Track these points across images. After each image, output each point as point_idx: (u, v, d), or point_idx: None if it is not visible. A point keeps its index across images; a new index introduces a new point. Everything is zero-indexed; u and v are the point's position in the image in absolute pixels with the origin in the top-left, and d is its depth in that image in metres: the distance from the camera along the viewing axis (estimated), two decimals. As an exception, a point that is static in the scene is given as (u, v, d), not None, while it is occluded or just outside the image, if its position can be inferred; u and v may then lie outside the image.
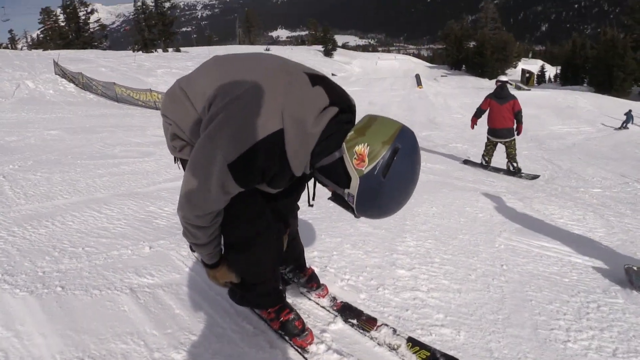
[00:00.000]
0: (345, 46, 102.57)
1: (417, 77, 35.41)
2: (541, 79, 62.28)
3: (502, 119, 7.30)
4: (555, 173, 7.67)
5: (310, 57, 60.80)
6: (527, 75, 48.06)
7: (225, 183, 1.32)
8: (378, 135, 1.27)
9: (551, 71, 67.14)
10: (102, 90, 17.96)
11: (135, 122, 11.79)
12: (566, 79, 56.47)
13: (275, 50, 65.21)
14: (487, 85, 38.68)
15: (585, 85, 48.90)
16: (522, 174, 7.10)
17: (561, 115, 20.40)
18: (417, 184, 1.34)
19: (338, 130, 1.34)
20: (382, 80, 35.55)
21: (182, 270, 2.40)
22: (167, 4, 60.74)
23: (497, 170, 7.51)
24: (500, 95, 7.36)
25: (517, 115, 7.27)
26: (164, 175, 5.05)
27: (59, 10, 50.19)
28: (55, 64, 20.17)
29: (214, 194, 1.34)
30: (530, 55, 79.44)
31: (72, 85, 18.80)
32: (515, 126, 7.35)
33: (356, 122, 1.37)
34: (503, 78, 8.16)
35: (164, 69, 31.91)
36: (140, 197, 3.99)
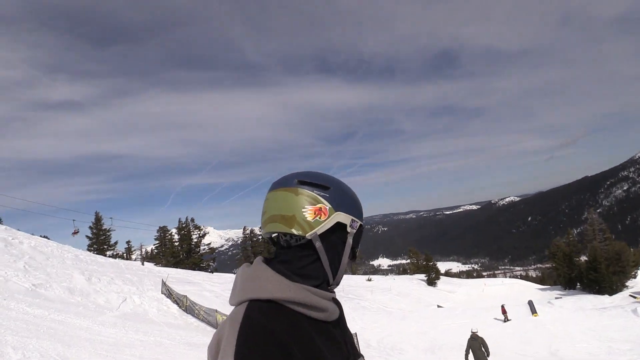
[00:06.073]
0: (448, 273, 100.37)
1: (530, 303, 32.01)
2: (667, 285, 53.53)
3: None
4: None
5: (413, 286, 59.28)
6: (652, 282, 42.07)
7: None
8: None
9: (676, 274, 57.49)
10: (204, 315, 17.76)
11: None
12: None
13: (377, 280, 64.82)
14: (609, 303, 33.62)
15: None
16: None
17: None
18: None
19: None
20: (491, 309, 32.60)
21: None
22: (275, 232, 66.66)
23: None
24: None
25: None
26: None
27: (174, 230, 54.40)
28: (163, 283, 21.15)
29: None
30: (648, 260, 70.57)
31: (175, 306, 19.10)
32: None
33: None
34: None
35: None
36: None
